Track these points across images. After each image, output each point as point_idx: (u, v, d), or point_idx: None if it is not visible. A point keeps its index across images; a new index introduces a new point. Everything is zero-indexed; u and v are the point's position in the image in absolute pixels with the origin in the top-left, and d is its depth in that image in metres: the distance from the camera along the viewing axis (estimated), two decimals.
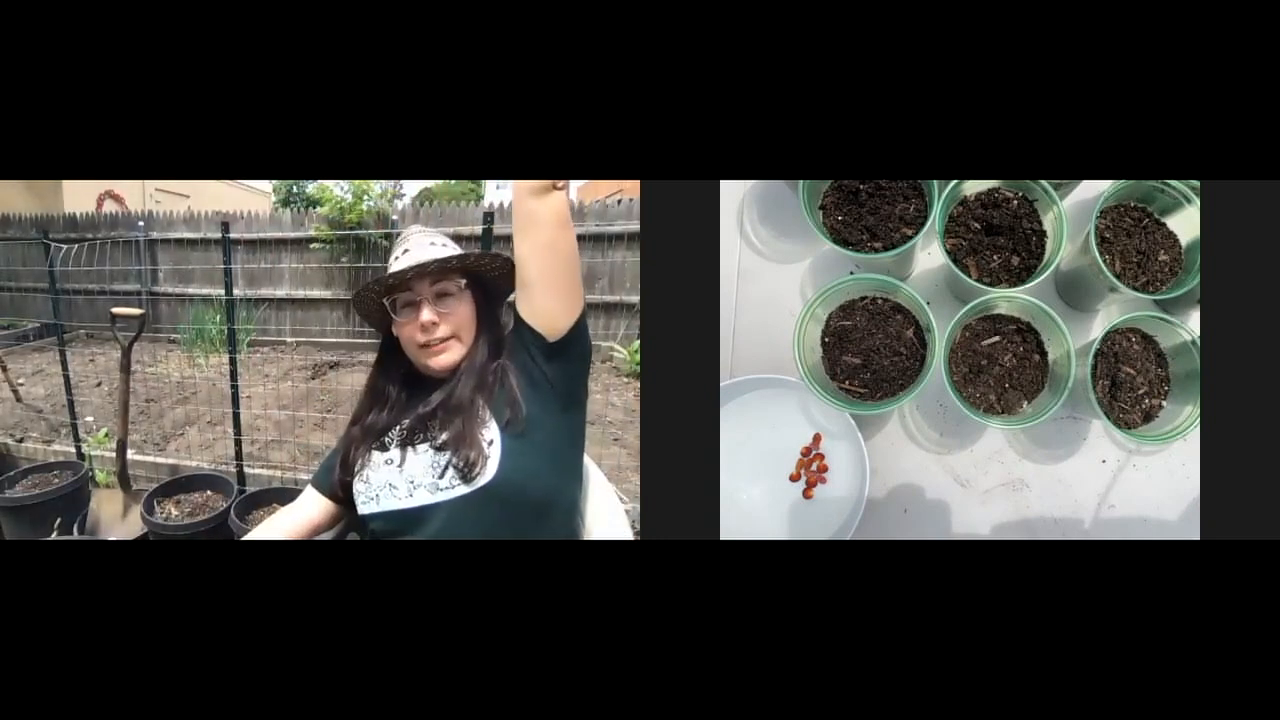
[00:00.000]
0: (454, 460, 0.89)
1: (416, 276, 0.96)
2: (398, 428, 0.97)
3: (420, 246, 1.01)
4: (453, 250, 1.02)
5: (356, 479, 0.97)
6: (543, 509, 0.91)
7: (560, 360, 0.93)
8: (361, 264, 4.93)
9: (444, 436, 0.91)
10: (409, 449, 0.94)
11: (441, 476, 0.89)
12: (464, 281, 0.99)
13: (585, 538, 0.98)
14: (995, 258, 1.02)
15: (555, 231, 0.87)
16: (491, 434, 0.90)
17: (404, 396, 1.01)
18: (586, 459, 1.02)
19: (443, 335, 0.96)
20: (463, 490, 0.87)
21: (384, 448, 0.96)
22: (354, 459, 0.98)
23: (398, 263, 0.99)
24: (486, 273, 1.02)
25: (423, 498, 0.89)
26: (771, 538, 1.06)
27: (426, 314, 0.96)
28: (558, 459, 0.95)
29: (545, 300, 0.91)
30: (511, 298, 0.97)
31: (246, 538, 1.00)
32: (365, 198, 5.39)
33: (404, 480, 0.91)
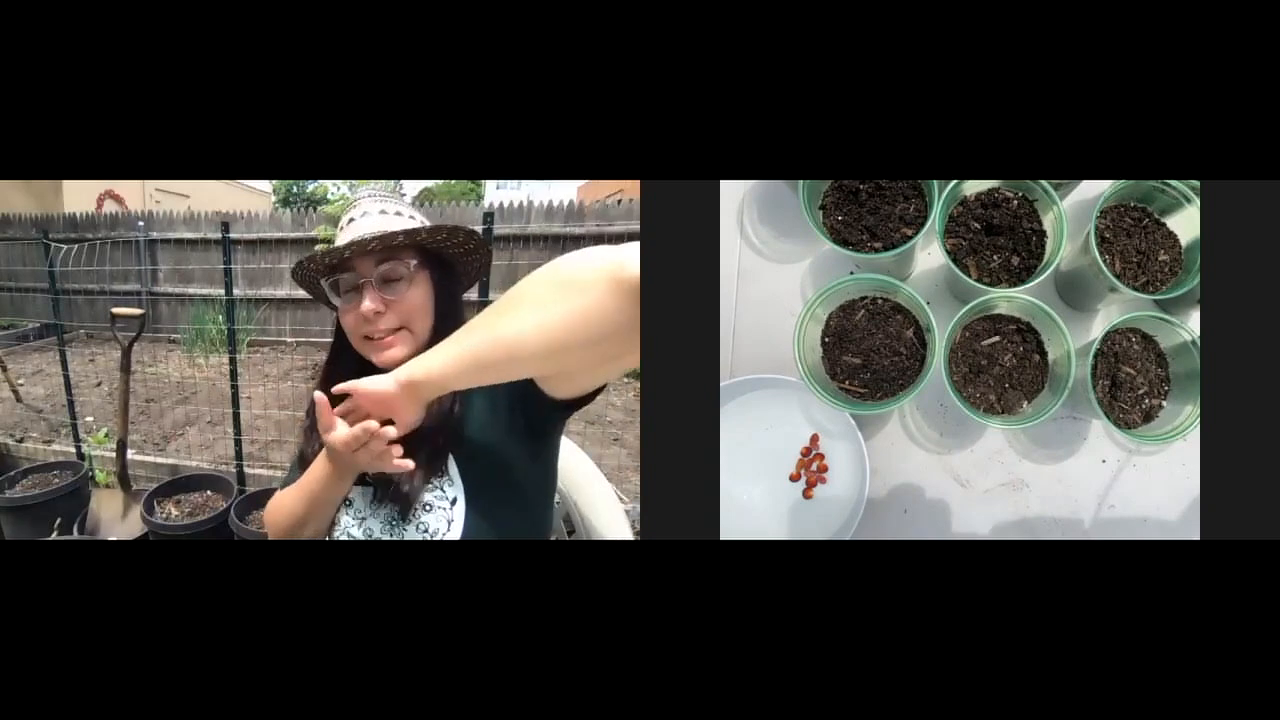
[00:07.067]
0: (412, 520, 0.81)
1: (358, 255, 0.81)
2: None
3: (369, 216, 0.86)
4: (408, 222, 0.86)
5: None
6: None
7: (562, 411, 0.82)
8: None
9: (397, 486, 0.81)
10: (363, 487, 0.85)
11: (397, 533, 0.82)
12: (414, 262, 0.84)
13: (585, 538, 0.98)
14: (995, 258, 1.02)
15: (628, 340, 0.63)
16: (455, 490, 0.81)
17: None
18: (586, 459, 1.02)
19: (388, 326, 0.82)
20: None
21: None
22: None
23: (342, 235, 0.86)
24: (445, 250, 0.87)
25: None
26: (771, 538, 1.06)
27: (368, 302, 0.81)
28: (531, 512, 0.86)
29: (584, 382, 0.77)
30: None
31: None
32: None
33: (362, 534, 0.84)
